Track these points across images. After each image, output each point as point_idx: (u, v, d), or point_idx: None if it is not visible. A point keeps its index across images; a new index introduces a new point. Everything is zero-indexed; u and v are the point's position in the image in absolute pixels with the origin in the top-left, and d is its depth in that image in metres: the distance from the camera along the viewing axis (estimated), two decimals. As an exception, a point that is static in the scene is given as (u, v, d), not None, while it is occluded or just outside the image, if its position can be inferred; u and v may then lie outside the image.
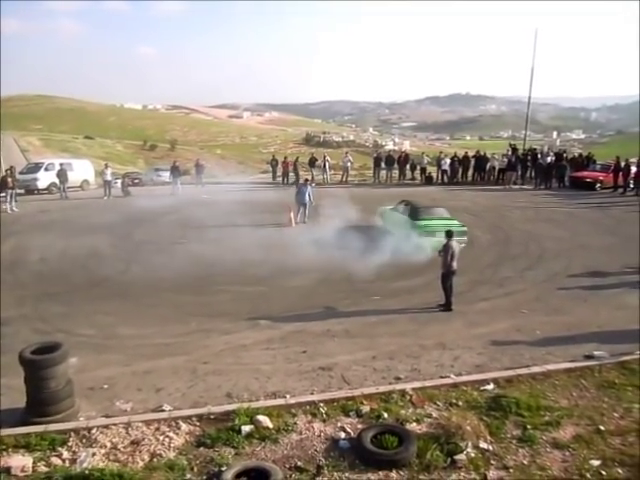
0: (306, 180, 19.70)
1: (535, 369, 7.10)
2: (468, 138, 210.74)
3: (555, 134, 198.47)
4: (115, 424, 5.82)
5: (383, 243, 13.88)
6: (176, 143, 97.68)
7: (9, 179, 21.79)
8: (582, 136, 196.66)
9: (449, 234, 9.96)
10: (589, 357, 7.54)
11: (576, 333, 8.55)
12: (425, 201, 17.86)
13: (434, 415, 5.97)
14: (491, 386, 6.66)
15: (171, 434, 5.64)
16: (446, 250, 9.82)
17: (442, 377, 7.07)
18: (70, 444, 5.50)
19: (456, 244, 9.94)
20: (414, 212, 14.81)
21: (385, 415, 5.94)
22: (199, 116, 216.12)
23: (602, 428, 5.67)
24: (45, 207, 22.17)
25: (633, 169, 23.82)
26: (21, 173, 27.15)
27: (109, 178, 25.62)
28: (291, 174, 28.70)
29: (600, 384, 6.67)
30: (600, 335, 8.41)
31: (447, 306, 9.82)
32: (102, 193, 25.29)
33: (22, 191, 25.24)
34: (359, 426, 5.71)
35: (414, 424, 5.78)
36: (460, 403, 6.24)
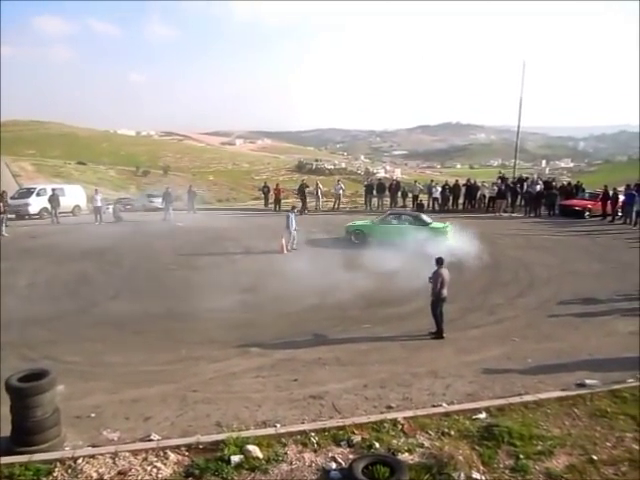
0: (293, 207, 19.76)
1: (527, 398, 7.05)
2: (459, 166, 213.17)
3: (544, 163, 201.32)
4: (102, 454, 5.69)
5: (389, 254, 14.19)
6: (169, 169, 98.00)
7: (0, 203, 21.71)
8: (570, 165, 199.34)
9: (439, 261, 9.98)
10: (581, 385, 7.51)
11: (567, 361, 8.54)
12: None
13: (426, 445, 5.90)
14: (483, 415, 6.60)
15: (159, 464, 5.52)
16: (436, 277, 9.81)
17: (434, 406, 7.00)
18: (55, 474, 5.36)
19: (446, 271, 9.96)
20: (417, 219, 18.51)
21: (377, 445, 5.86)
22: (192, 143, 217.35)
23: (595, 458, 5.62)
24: (36, 232, 22.04)
25: (621, 197, 24.11)
26: (12, 198, 27.07)
27: (99, 204, 25.55)
28: (288, 200, 28.86)
29: (592, 413, 6.63)
30: (591, 363, 8.39)
31: (439, 334, 9.80)
32: (93, 219, 25.20)
33: (13, 216, 25.15)
34: (350, 456, 5.63)
35: (406, 454, 5.70)
36: (452, 432, 6.17)
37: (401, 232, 17.79)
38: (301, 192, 29.25)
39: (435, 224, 18.70)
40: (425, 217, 19.35)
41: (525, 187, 27.95)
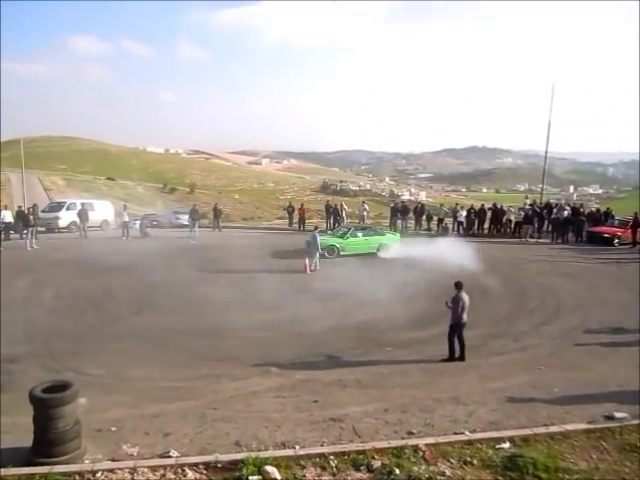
0: (315, 227, 19.88)
1: (553, 428, 6.86)
2: (484, 190, 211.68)
3: (572, 188, 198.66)
4: (121, 468, 5.69)
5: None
6: (195, 187, 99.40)
7: (31, 217, 22.26)
8: (599, 191, 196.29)
9: (458, 285, 9.86)
10: (609, 418, 7.28)
11: (595, 392, 8.29)
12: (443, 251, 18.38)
13: (447, 473, 5.76)
14: (507, 444, 6.43)
15: (177, 481, 5.51)
16: (456, 301, 9.69)
17: (456, 433, 6.85)
18: (74, 487, 5.39)
19: (466, 296, 9.82)
20: (372, 230, 21.89)
21: (397, 471, 5.74)
22: (219, 161, 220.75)
23: (623, 494, 5.43)
24: (64, 245, 22.48)
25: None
26: (43, 211, 27.72)
27: (127, 219, 26.03)
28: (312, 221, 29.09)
29: (621, 447, 6.41)
30: (620, 394, 8.13)
31: (450, 356, 9.69)
32: (120, 234, 25.61)
33: (43, 229, 25.72)
34: (370, 482, 5.53)
35: (426, 482, 5.58)
36: (475, 461, 6.02)
37: (368, 242, 20.77)
38: (327, 212, 29.38)
39: (389, 233, 22.80)
40: (377, 229, 23.21)
41: (553, 213, 27.55)
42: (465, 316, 9.68)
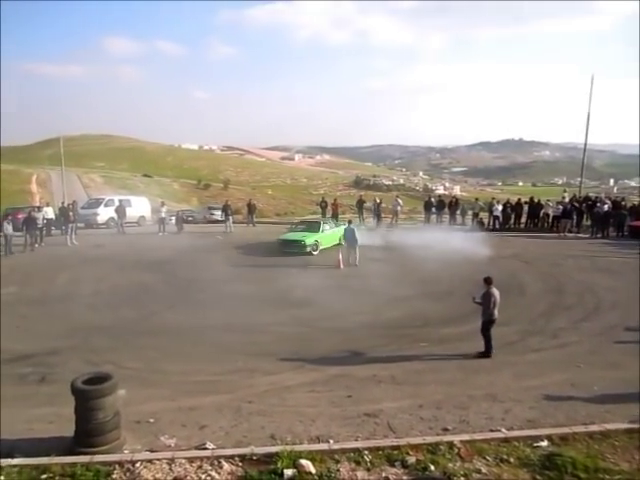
0: (349, 221, 19.75)
1: (593, 427, 6.70)
2: (520, 184, 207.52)
3: (612, 181, 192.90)
4: (159, 459, 5.82)
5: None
6: (229, 183, 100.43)
7: (70, 213, 22.87)
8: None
9: (488, 281, 9.69)
10: (652, 418, 7.08)
11: (636, 391, 8.06)
12: (478, 246, 18.02)
13: (483, 471, 5.70)
14: (545, 443, 6.32)
15: (213, 473, 5.60)
16: (487, 298, 9.54)
17: (492, 430, 6.76)
18: (114, 476, 5.53)
19: (497, 291, 9.66)
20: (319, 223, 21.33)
21: (432, 467, 5.71)
22: (252, 157, 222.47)
23: (667, 496, 5.27)
24: (102, 241, 23.04)
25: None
26: (82, 208, 28.46)
27: (164, 215, 26.52)
28: (345, 215, 29.21)
29: (664, 447, 6.23)
30: (662, 394, 7.89)
31: (487, 354, 9.54)
32: (157, 229, 26.10)
33: (82, 225, 26.41)
34: (404, 477, 5.52)
35: (462, 479, 5.53)
36: (511, 459, 5.94)
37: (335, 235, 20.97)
38: (359, 207, 29.36)
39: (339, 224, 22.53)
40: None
41: (595, 206, 26.81)
42: (496, 312, 9.54)
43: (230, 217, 27.18)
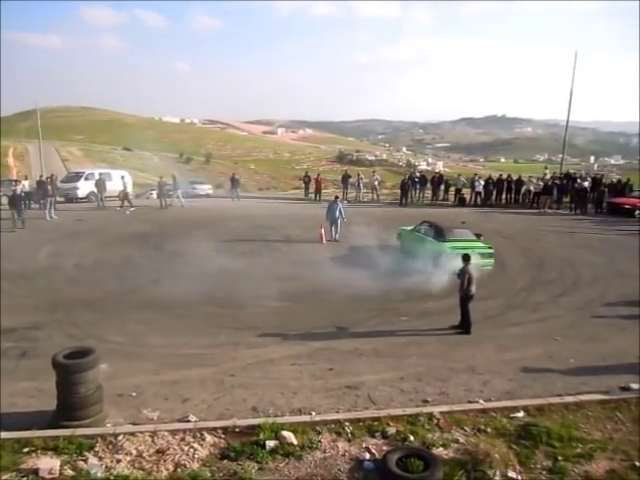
0: (336, 197, 19.69)
1: (568, 399, 6.88)
2: (503, 160, 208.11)
3: (592, 159, 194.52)
4: (141, 432, 5.86)
5: (408, 264, 13.82)
6: (211, 157, 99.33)
7: (49, 187, 22.44)
8: (621, 162, 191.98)
9: (466, 258, 9.80)
10: (625, 389, 7.27)
11: (612, 363, 8.27)
12: (455, 223, 17.93)
13: (461, 440, 5.84)
14: (521, 414, 6.48)
15: (196, 445, 5.65)
16: (462, 274, 9.67)
17: (470, 402, 6.92)
18: (97, 449, 5.56)
19: (473, 268, 9.77)
20: (439, 233, 14.45)
21: (411, 438, 5.84)
22: (234, 131, 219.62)
23: (637, 464, 5.45)
24: (82, 215, 22.72)
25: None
26: (62, 182, 27.97)
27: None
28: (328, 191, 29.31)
29: (636, 418, 6.42)
30: (637, 367, 8.08)
31: (466, 329, 9.68)
32: (138, 204, 25.81)
33: (62, 199, 25.98)
34: (384, 448, 5.63)
35: (441, 449, 5.66)
36: (489, 430, 6.09)
37: (420, 246, 15.00)
38: (344, 182, 29.27)
39: (457, 244, 13.53)
40: (456, 232, 14.76)
41: (575, 183, 27.09)
42: (473, 288, 9.64)
43: (238, 189, 29.65)
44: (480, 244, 13.87)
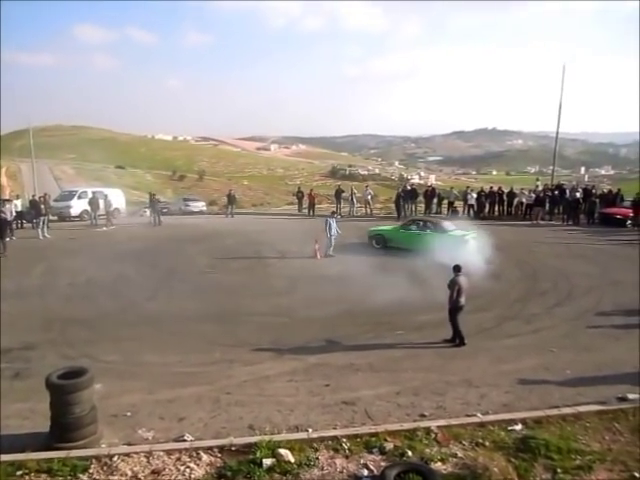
0: (333, 212, 19.78)
1: (565, 410, 6.86)
2: (495, 173, 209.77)
3: (583, 170, 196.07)
4: (137, 452, 5.79)
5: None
6: (204, 174, 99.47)
7: (42, 206, 22.38)
8: (611, 172, 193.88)
9: (456, 269, 9.78)
10: (622, 399, 7.26)
11: (608, 373, 8.26)
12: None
13: (460, 455, 5.80)
14: (519, 426, 6.45)
15: (192, 465, 5.59)
16: (452, 285, 9.62)
17: (468, 415, 6.87)
18: (91, 471, 5.48)
19: (464, 279, 9.76)
20: (437, 226, 17.82)
21: (409, 453, 5.79)
22: (227, 148, 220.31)
23: (637, 475, 5.43)
24: (76, 234, 22.63)
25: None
26: (55, 200, 27.92)
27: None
28: (322, 206, 29.36)
29: (634, 428, 6.40)
30: (633, 376, 8.08)
31: (456, 342, 9.64)
32: (131, 221, 25.77)
33: (55, 218, 25.90)
34: (382, 463, 5.58)
35: (439, 463, 5.62)
36: (487, 443, 6.05)
37: (421, 239, 17.44)
38: (337, 197, 29.38)
39: (456, 232, 17.61)
40: (447, 224, 18.30)
41: (566, 194, 27.28)
42: (463, 300, 9.61)
43: (233, 205, 30.02)
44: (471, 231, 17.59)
